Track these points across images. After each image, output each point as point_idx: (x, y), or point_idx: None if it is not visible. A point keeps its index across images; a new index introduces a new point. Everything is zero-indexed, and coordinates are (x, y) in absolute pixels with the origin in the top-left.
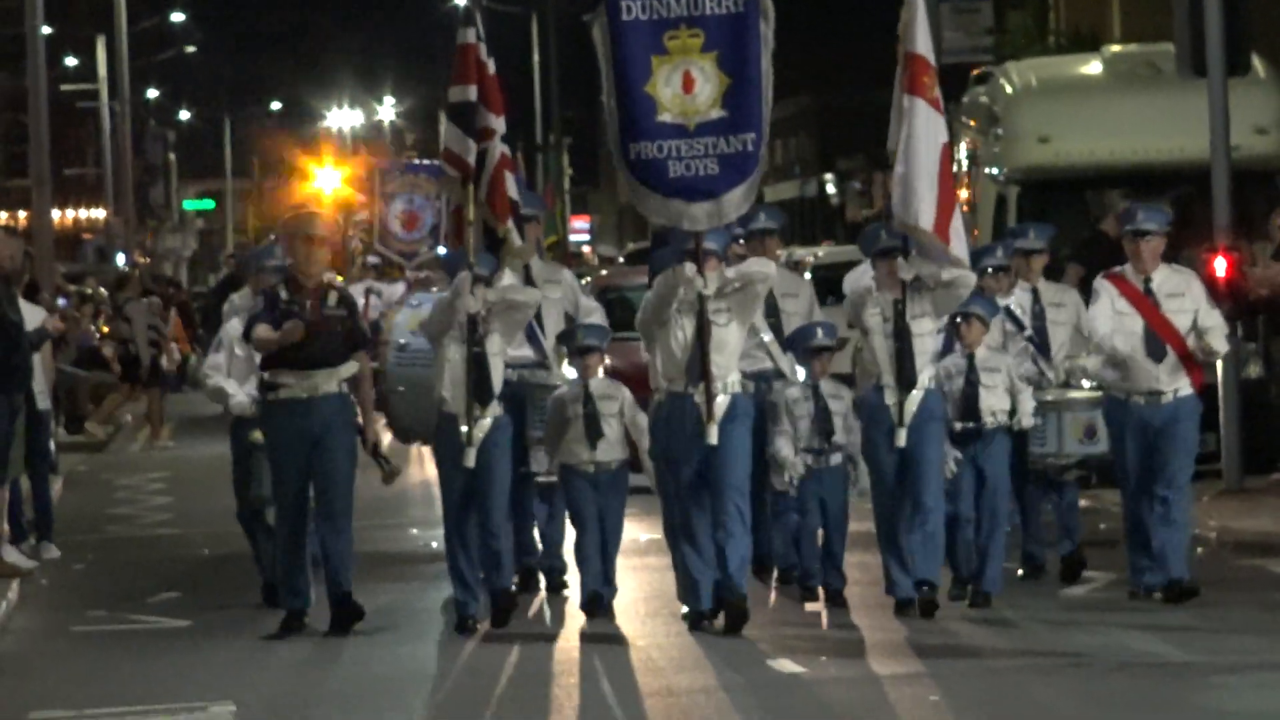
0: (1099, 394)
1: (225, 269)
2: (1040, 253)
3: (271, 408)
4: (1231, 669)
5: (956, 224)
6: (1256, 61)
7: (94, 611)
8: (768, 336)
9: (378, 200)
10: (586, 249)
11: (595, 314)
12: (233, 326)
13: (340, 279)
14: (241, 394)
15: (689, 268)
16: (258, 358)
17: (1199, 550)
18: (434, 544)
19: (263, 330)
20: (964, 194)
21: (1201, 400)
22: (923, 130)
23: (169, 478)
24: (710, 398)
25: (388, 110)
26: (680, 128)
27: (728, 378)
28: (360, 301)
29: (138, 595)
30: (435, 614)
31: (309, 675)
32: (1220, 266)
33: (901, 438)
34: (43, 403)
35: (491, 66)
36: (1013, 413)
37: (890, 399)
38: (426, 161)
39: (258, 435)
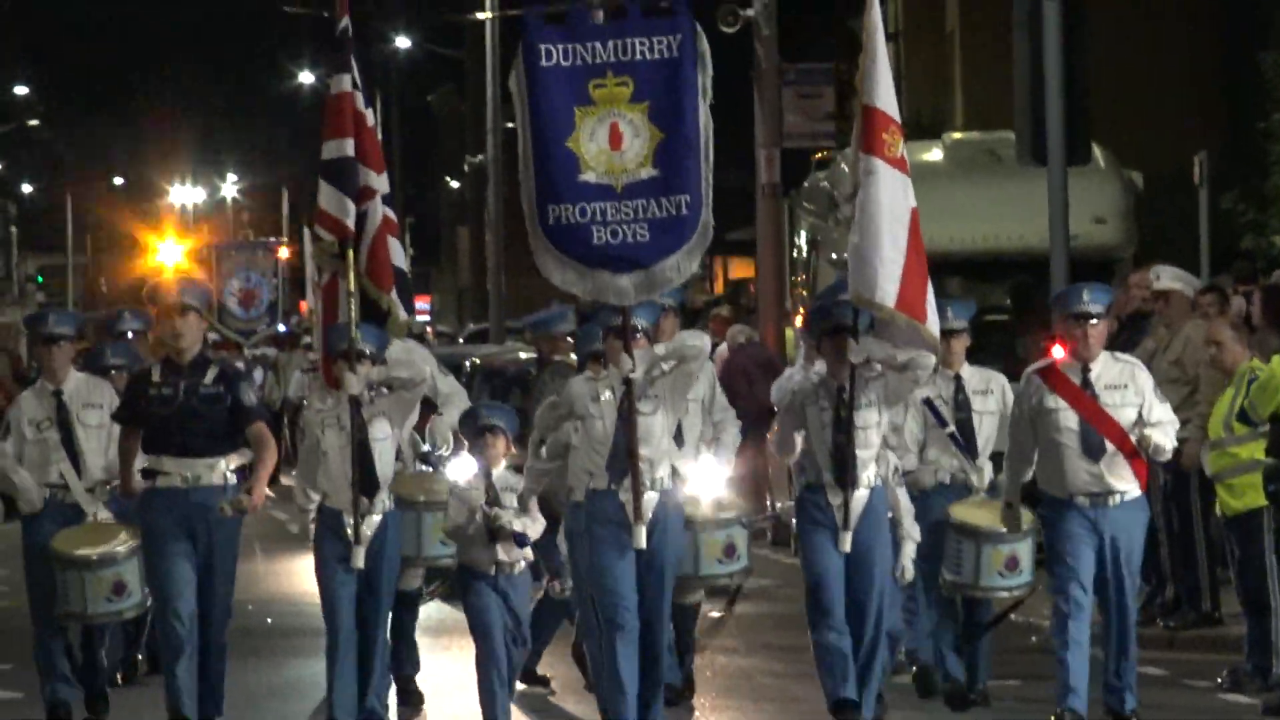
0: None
1: None
2: (961, 333)
3: (149, 496)
4: None
5: (932, 298)
6: (1096, 151)
7: None
8: None
9: (216, 278)
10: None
11: (456, 396)
12: (23, 409)
13: None
14: (32, 483)
15: (615, 347)
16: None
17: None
18: (269, 619)
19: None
20: (803, 279)
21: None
22: (885, 194)
23: (2, 549)
24: (638, 496)
25: (230, 187)
26: (606, 189)
27: (656, 473)
28: None
29: None
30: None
31: None
32: (1057, 353)
33: (846, 543)
34: None
35: (370, 118)
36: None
37: (834, 499)
38: (264, 239)
39: (61, 542)
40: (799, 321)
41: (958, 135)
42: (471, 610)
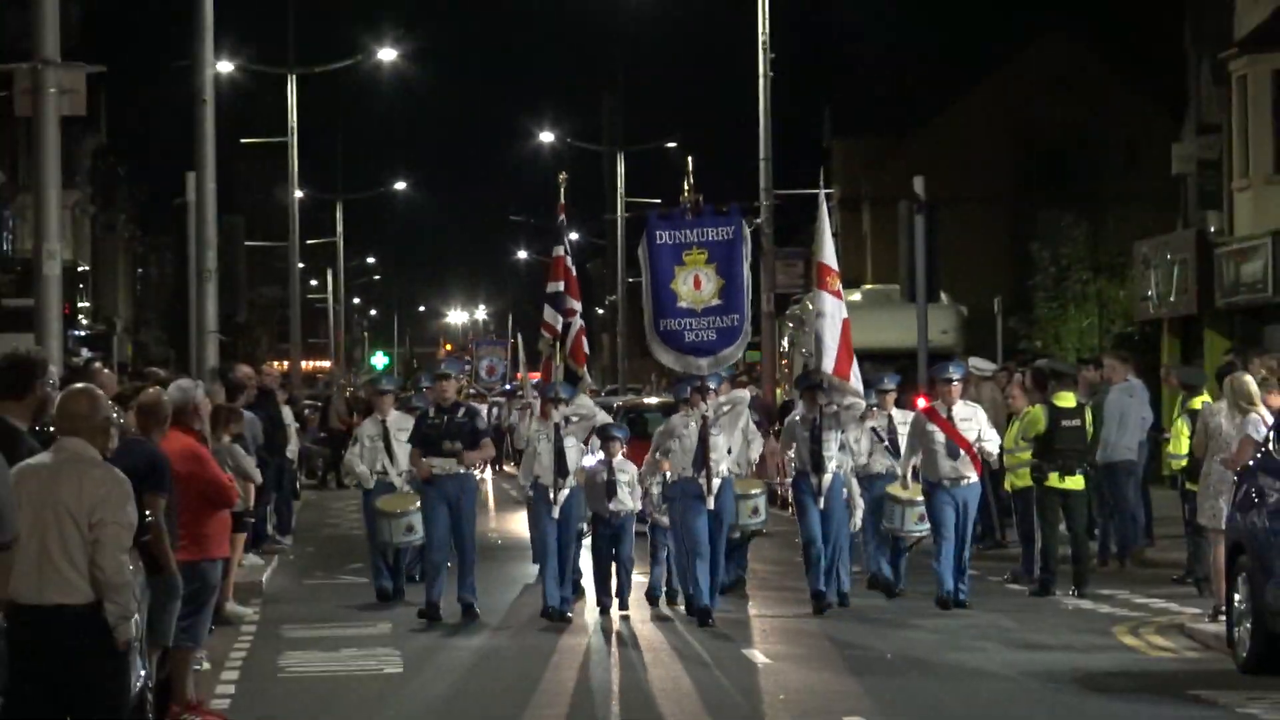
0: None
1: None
2: (891, 391)
3: (428, 481)
4: None
5: (855, 370)
6: (943, 295)
7: (317, 571)
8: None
9: (474, 359)
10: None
11: (601, 418)
12: (363, 429)
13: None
14: (366, 472)
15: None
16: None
17: None
18: (498, 542)
19: (416, 457)
20: (785, 363)
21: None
22: (830, 312)
23: (355, 506)
24: (709, 479)
25: (480, 311)
26: (692, 311)
27: (719, 466)
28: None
29: (340, 563)
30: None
31: (452, 639)
32: (920, 404)
33: (821, 503)
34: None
35: (574, 270)
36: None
37: (812, 479)
38: (501, 339)
39: (382, 503)
40: (784, 385)
41: (869, 285)
42: (594, 539)
